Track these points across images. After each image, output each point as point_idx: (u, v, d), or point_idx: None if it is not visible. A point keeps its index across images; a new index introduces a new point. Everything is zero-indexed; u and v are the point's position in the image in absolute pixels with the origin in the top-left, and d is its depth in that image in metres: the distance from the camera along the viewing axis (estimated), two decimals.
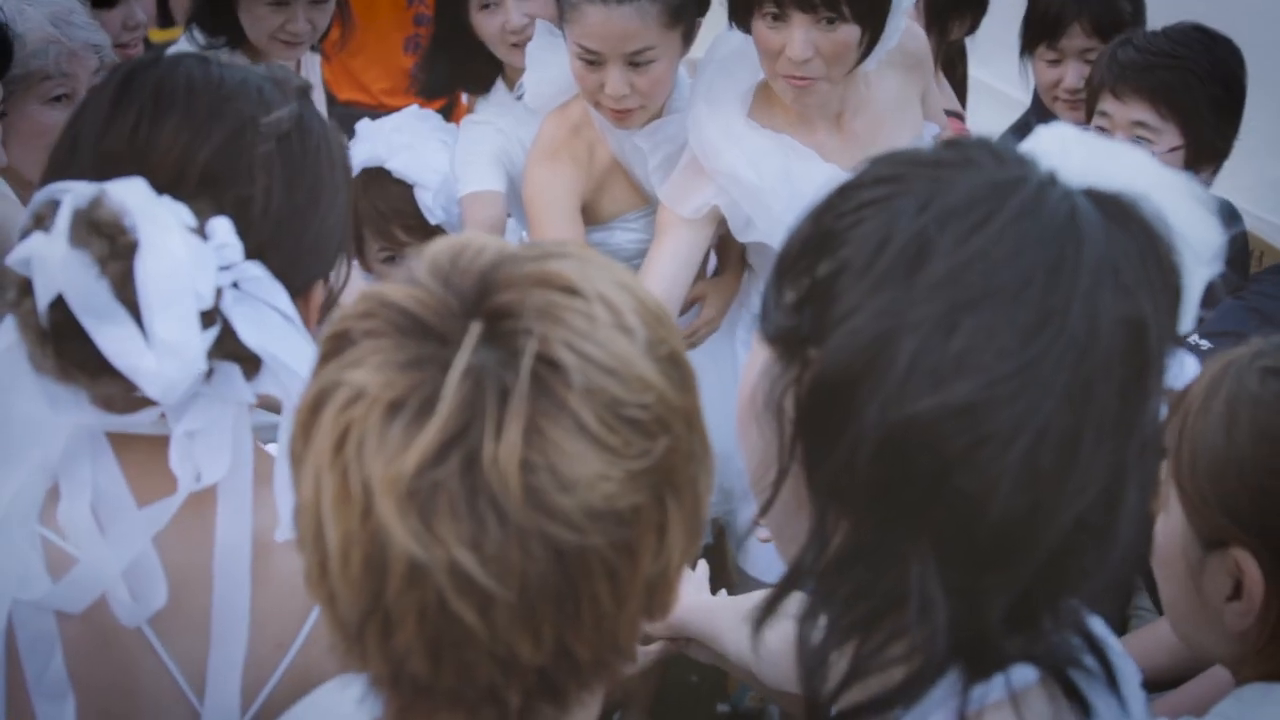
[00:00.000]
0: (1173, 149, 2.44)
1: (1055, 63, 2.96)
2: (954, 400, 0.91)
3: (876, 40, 2.26)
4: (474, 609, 0.83)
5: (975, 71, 3.48)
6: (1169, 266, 0.98)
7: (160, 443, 1.21)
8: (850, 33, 2.22)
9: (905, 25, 2.38)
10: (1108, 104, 2.49)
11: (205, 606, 1.25)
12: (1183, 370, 1.11)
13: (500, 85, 2.76)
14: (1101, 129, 2.48)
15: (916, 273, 0.93)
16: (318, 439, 0.86)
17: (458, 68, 2.77)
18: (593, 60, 2.33)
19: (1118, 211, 0.97)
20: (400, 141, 2.80)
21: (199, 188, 1.21)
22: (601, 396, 0.85)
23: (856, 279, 0.94)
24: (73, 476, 1.23)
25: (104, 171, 1.19)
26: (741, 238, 2.49)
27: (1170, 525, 1.36)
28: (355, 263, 2.88)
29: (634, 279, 0.94)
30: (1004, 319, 0.91)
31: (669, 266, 2.41)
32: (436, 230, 2.77)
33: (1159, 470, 1.07)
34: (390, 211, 2.78)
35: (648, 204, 2.61)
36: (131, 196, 1.16)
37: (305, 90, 1.33)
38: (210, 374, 1.19)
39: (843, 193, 1.00)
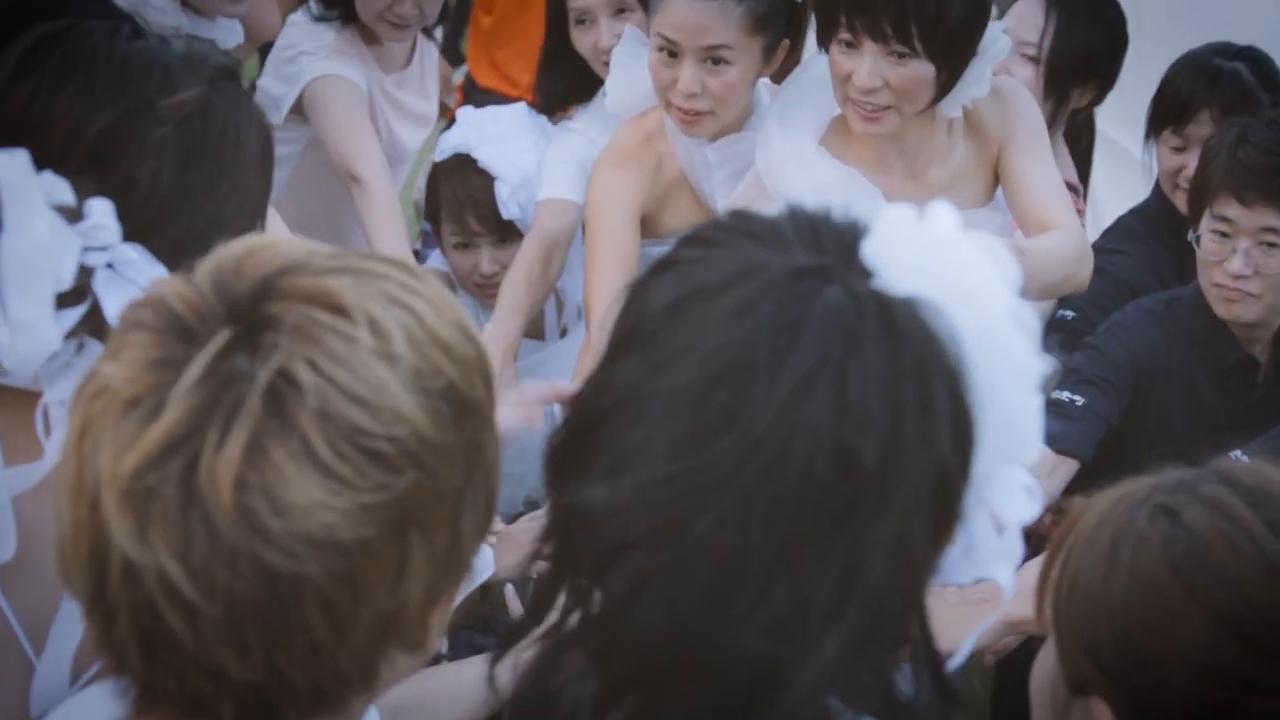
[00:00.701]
0: None
1: (1180, 150, 2.82)
2: (614, 495, 0.87)
3: (954, 81, 2.20)
4: (180, 617, 0.82)
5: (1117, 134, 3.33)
6: (942, 392, 0.89)
7: (36, 399, 1.22)
8: (922, 68, 2.16)
9: (1006, 84, 2.29)
10: (1230, 209, 2.36)
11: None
12: (1011, 496, 0.98)
13: (601, 95, 2.77)
14: (1223, 234, 2.36)
15: (648, 351, 0.90)
16: (70, 425, 0.87)
17: (570, 81, 2.78)
18: (671, 50, 2.33)
19: (880, 321, 0.88)
20: (492, 133, 2.86)
21: (85, 164, 1.21)
22: (339, 424, 0.83)
23: (625, 338, 0.93)
24: None
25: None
26: None
27: (1045, 658, 1.24)
28: (430, 253, 2.94)
29: (441, 303, 0.91)
30: (682, 417, 0.86)
31: None
32: (508, 225, 2.80)
33: (897, 612, 0.93)
34: (467, 199, 2.82)
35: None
36: (7, 170, 1.15)
37: (224, 72, 1.32)
38: (80, 348, 1.20)
39: (679, 244, 0.98)
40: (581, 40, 2.68)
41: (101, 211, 1.18)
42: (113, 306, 1.17)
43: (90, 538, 0.84)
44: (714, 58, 2.32)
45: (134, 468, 0.82)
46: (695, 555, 0.85)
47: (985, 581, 1.00)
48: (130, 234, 1.19)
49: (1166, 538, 1.15)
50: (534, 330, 2.89)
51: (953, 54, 2.16)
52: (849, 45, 2.19)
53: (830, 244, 0.93)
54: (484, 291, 2.86)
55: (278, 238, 0.93)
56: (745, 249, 0.92)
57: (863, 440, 0.85)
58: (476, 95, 3.96)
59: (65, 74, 1.24)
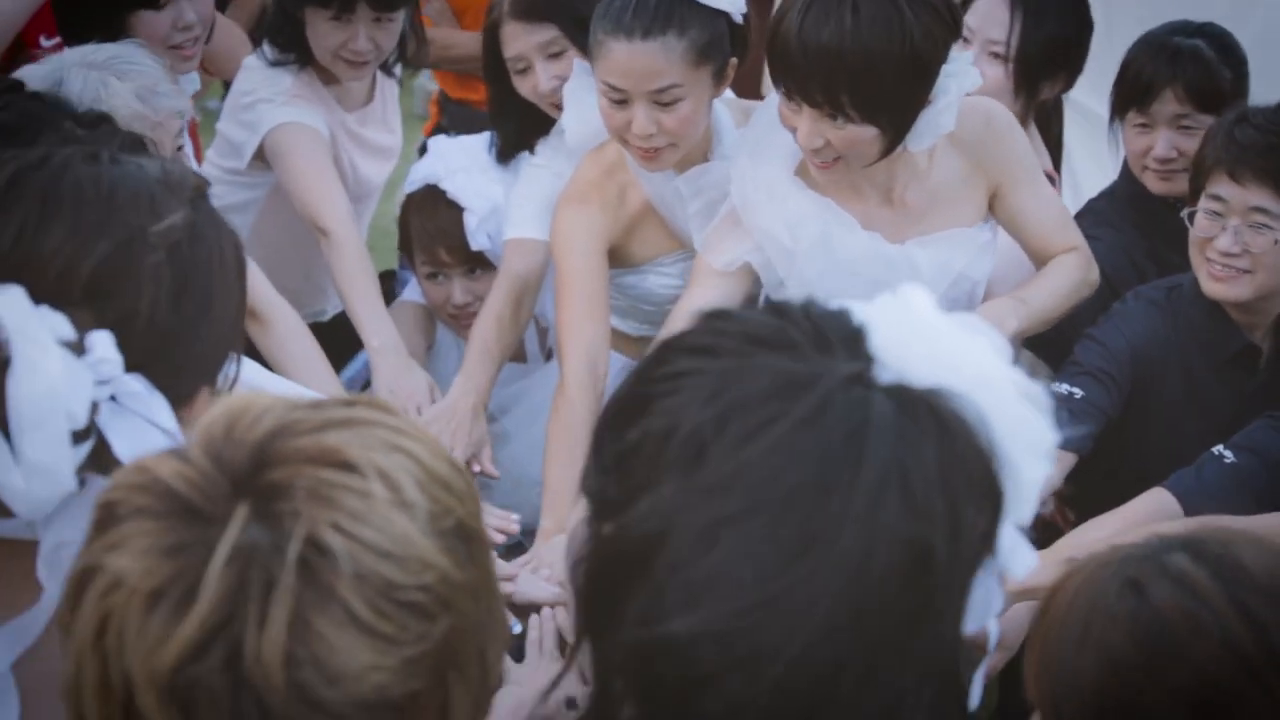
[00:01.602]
0: None
1: (1145, 129, 2.80)
2: (702, 624, 0.86)
3: (901, 136, 2.18)
4: None
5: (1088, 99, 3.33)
6: (981, 473, 0.91)
7: (25, 547, 1.19)
8: (861, 130, 2.14)
9: (970, 103, 2.28)
10: (1222, 187, 2.35)
11: None
12: (1015, 554, 1.00)
13: (559, 127, 2.75)
14: (1213, 213, 2.36)
15: (693, 473, 0.88)
16: (79, 622, 0.85)
17: (523, 125, 2.77)
18: (618, 99, 2.31)
19: (923, 415, 0.90)
20: (459, 164, 2.85)
21: (82, 299, 1.19)
22: (375, 582, 0.83)
23: (648, 461, 0.90)
24: None
25: None
26: (774, 297, 2.45)
27: None
28: (411, 278, 2.95)
29: (429, 440, 0.91)
30: (765, 538, 0.86)
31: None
32: (479, 255, 2.81)
33: (962, 690, 0.97)
34: (437, 231, 2.83)
35: (683, 248, 2.59)
36: (6, 309, 1.13)
37: (200, 192, 1.31)
38: (83, 484, 1.17)
39: (661, 353, 0.96)
40: (522, 86, 2.67)
41: (104, 345, 1.16)
42: (119, 441, 1.15)
43: None
44: (664, 100, 2.29)
45: (173, 662, 0.81)
46: (793, 673, 0.86)
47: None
48: (131, 365, 1.17)
49: (1133, 615, 1.17)
50: (515, 353, 2.89)
51: (891, 115, 2.13)
52: (789, 100, 2.17)
53: (837, 341, 0.92)
54: (459, 321, 2.87)
55: (251, 397, 0.92)
56: (764, 358, 0.91)
57: (933, 535, 0.87)
58: (452, 107, 3.95)
59: (51, 209, 1.22)
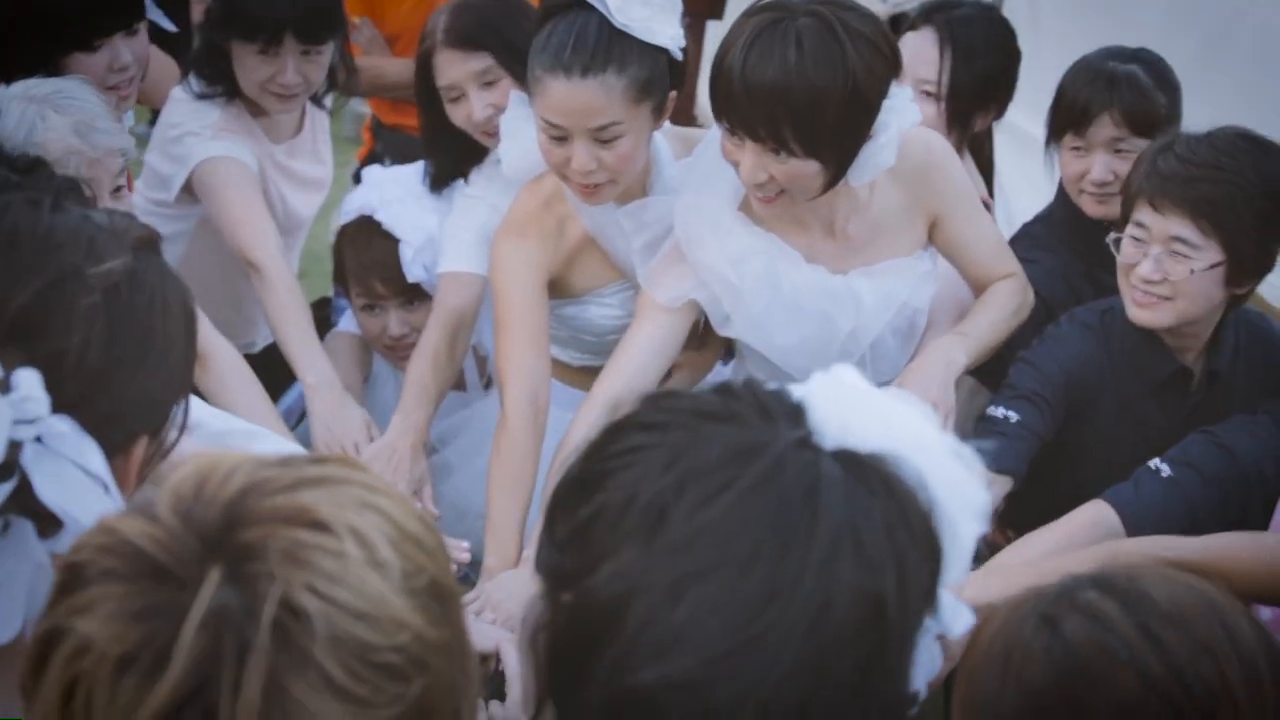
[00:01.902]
0: (1213, 265, 2.33)
1: (1081, 153, 2.82)
2: (673, 674, 0.90)
3: (843, 170, 2.19)
4: None
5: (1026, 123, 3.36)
6: (923, 530, 0.96)
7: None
8: (804, 165, 2.15)
9: (909, 136, 2.29)
10: (1145, 215, 2.37)
11: None
12: (956, 618, 1.06)
13: (494, 158, 2.73)
14: (1136, 239, 2.37)
15: (654, 537, 0.92)
16: (45, 686, 0.83)
17: (457, 154, 2.74)
18: (558, 135, 2.28)
19: (869, 477, 0.95)
20: (393, 194, 2.82)
21: (9, 337, 1.18)
22: (349, 644, 0.82)
23: (607, 532, 0.94)
24: None
25: None
26: (721, 331, 2.46)
27: None
28: (347, 306, 2.90)
29: (399, 497, 0.90)
30: (730, 592, 0.90)
31: (640, 355, 2.38)
32: (414, 287, 2.77)
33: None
34: (371, 263, 2.79)
35: (623, 279, 2.58)
36: None
37: (146, 242, 1.29)
38: (6, 528, 1.15)
39: (612, 432, 1.00)
40: (455, 115, 2.65)
41: (30, 384, 1.13)
42: (43, 483, 1.13)
43: None
44: (604, 137, 2.27)
45: None
46: (765, 716, 0.90)
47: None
48: (59, 407, 1.14)
49: (1047, 648, 1.21)
50: (455, 382, 2.86)
51: (834, 150, 2.14)
52: (731, 133, 2.17)
53: (779, 414, 0.98)
54: (395, 353, 2.83)
55: (219, 454, 0.90)
56: (714, 430, 0.96)
57: (884, 586, 0.93)
58: (384, 134, 3.91)
59: None
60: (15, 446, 1.12)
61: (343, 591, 0.82)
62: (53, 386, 1.14)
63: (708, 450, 0.94)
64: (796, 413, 0.98)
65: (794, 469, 0.94)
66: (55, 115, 2.15)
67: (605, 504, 0.95)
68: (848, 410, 0.99)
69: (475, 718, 0.93)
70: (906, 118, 2.20)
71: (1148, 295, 2.37)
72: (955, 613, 1.04)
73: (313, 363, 2.60)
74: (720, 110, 2.16)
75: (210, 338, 2.44)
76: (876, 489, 0.95)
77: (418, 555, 0.88)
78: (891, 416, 1.00)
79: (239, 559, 0.82)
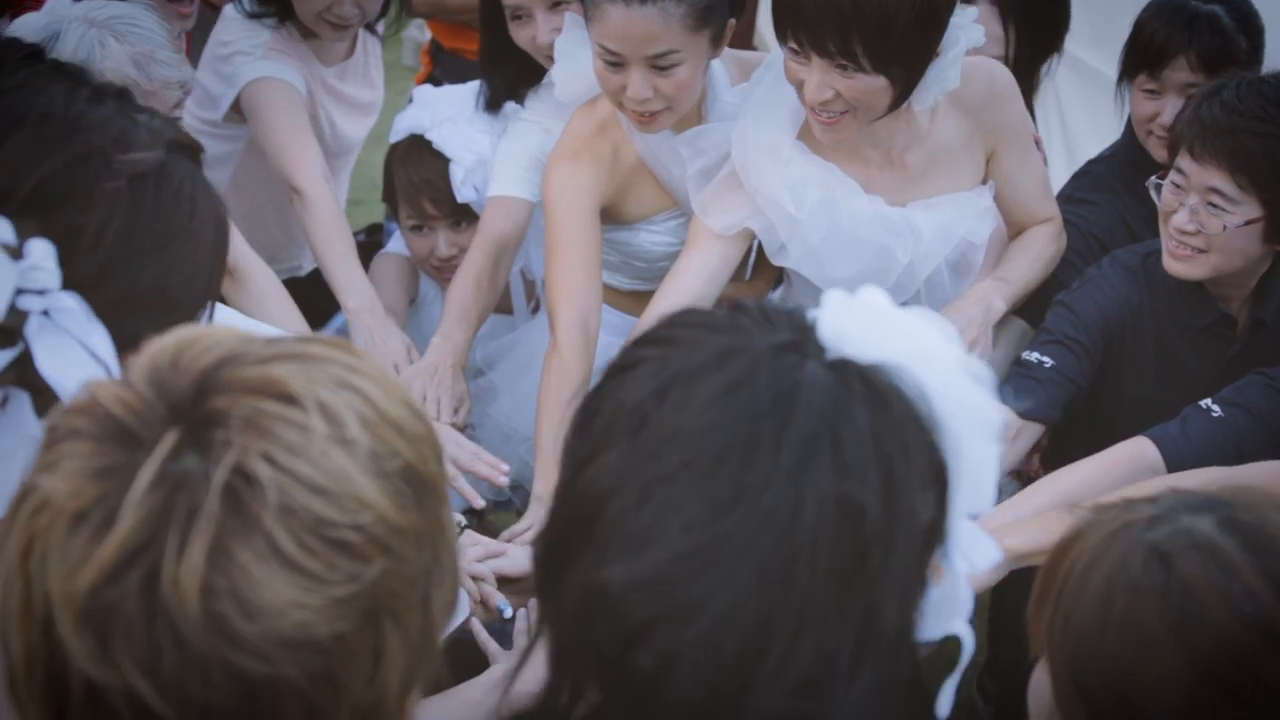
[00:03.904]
0: (1249, 221, 2.25)
1: (1154, 94, 2.73)
2: (634, 573, 0.89)
3: (910, 88, 2.14)
4: None
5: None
6: (920, 443, 0.93)
7: None
8: (872, 81, 2.10)
9: (974, 64, 2.25)
10: (1185, 162, 2.29)
11: None
12: (975, 546, 1.02)
13: (549, 79, 2.69)
14: (1176, 186, 2.30)
15: (635, 440, 0.92)
16: (9, 544, 0.83)
17: (515, 75, 2.70)
18: (614, 62, 2.25)
19: (856, 383, 0.93)
20: (446, 114, 2.79)
21: (26, 207, 1.16)
22: (303, 517, 0.81)
23: (597, 437, 0.94)
24: None
25: None
26: (775, 261, 2.43)
27: (1040, 683, 1.24)
28: (396, 229, 2.89)
29: (386, 382, 0.89)
30: (694, 493, 0.89)
31: (693, 281, 2.35)
32: (464, 207, 2.75)
33: (907, 657, 0.97)
34: (421, 182, 2.77)
35: (676, 206, 2.55)
36: None
37: (183, 146, 1.28)
38: (4, 402, 1.16)
39: (625, 349, 1.00)
40: (519, 35, 2.60)
41: (41, 253, 1.13)
42: (44, 356, 1.13)
43: (46, 662, 0.81)
44: (661, 65, 2.23)
45: (90, 585, 0.79)
46: (722, 624, 0.89)
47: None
48: (70, 285, 1.14)
49: (1161, 589, 1.14)
50: (502, 304, 2.85)
51: (903, 65, 2.10)
52: (796, 54, 2.13)
53: (785, 326, 0.97)
54: (442, 274, 2.82)
55: (209, 327, 0.90)
56: (710, 338, 0.96)
57: (864, 495, 0.89)
58: (443, 58, 3.87)
59: (15, 122, 1.20)
60: (20, 315, 1.12)
61: (301, 464, 0.81)
62: (66, 263, 1.14)
63: (694, 356, 0.94)
64: (802, 324, 0.97)
65: (771, 371, 0.92)
66: (115, 43, 2.13)
67: (599, 410, 0.96)
68: (856, 324, 0.96)
69: (451, 610, 0.92)
70: (973, 35, 2.16)
71: (1182, 246, 2.31)
72: (977, 546, 1.01)
73: (354, 287, 2.59)
74: (786, 25, 2.12)
75: (248, 257, 2.43)
76: (864, 396, 0.92)
77: (394, 439, 0.86)
78: (904, 333, 0.97)
79: (202, 425, 0.81)
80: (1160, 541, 1.15)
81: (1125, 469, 2.15)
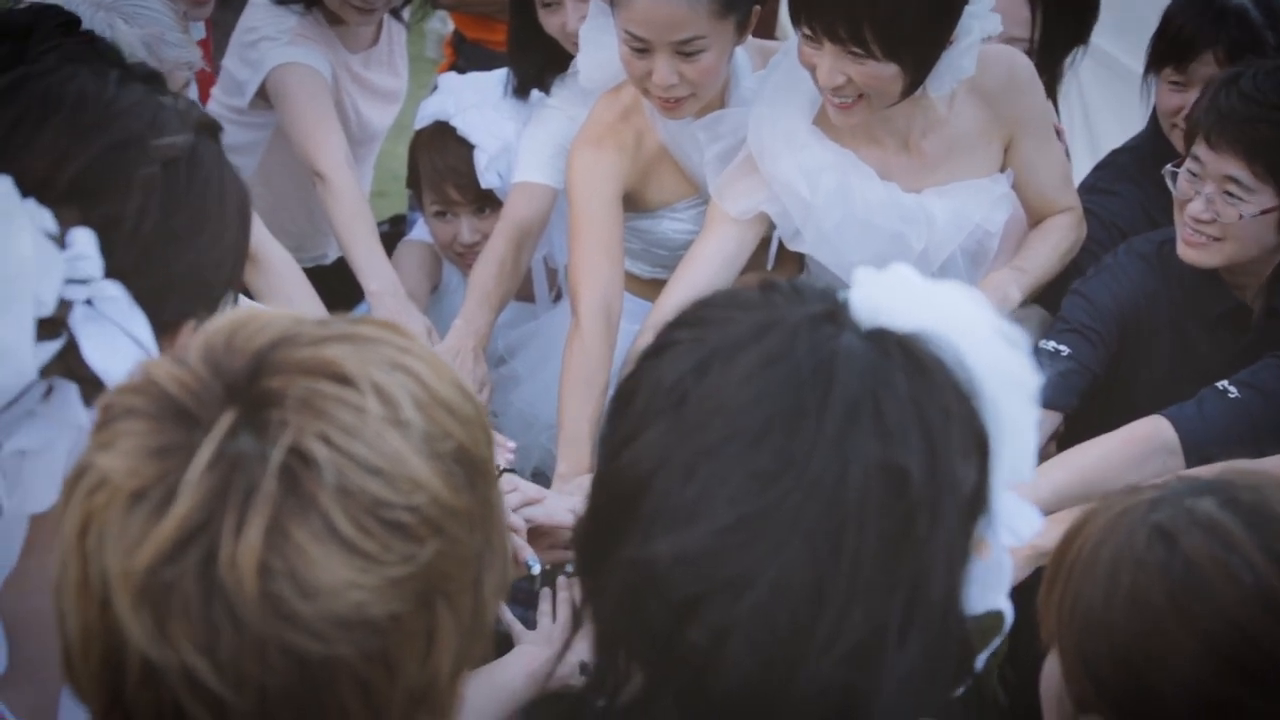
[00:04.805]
0: (1265, 211, 2.25)
1: (1180, 87, 2.71)
2: (683, 547, 0.88)
3: (922, 75, 2.14)
4: (209, 714, 0.80)
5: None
6: (960, 409, 0.93)
7: None
8: (883, 68, 2.11)
9: (993, 52, 2.25)
10: (1201, 150, 2.29)
11: (50, 658, 1.19)
12: (1017, 517, 1.02)
13: (575, 67, 2.70)
14: (1192, 174, 2.30)
15: (676, 416, 0.92)
16: (67, 520, 0.84)
17: (543, 62, 2.71)
18: (640, 48, 2.26)
19: (895, 351, 0.93)
20: (470, 100, 2.80)
21: (67, 196, 1.17)
22: (360, 497, 0.81)
23: (638, 416, 0.94)
24: None
25: None
26: (790, 246, 2.44)
27: (1052, 669, 1.26)
28: (419, 216, 2.90)
29: (437, 364, 0.89)
30: (740, 465, 0.89)
31: (709, 266, 2.36)
32: (488, 194, 2.76)
33: (955, 623, 0.97)
34: (446, 168, 2.77)
35: (698, 194, 2.55)
36: None
37: (207, 127, 1.29)
38: (50, 393, 1.15)
39: (665, 328, 1.00)
40: (548, 22, 2.61)
41: (85, 242, 1.13)
42: (90, 345, 1.13)
43: (103, 640, 0.81)
44: (686, 50, 2.24)
45: (148, 563, 0.79)
46: (774, 595, 0.88)
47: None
48: (111, 273, 1.14)
49: (1164, 565, 1.16)
50: (523, 292, 2.86)
51: (914, 53, 2.10)
52: (809, 39, 2.13)
53: (817, 300, 0.96)
54: (465, 261, 2.82)
55: (259, 309, 0.90)
56: (745, 315, 0.95)
57: (908, 460, 0.89)
58: (466, 49, 3.89)
59: (50, 109, 1.21)
60: (65, 305, 1.12)
61: (358, 445, 0.81)
62: (106, 251, 1.14)
63: (731, 332, 0.94)
64: (833, 299, 0.96)
65: (809, 342, 0.92)
66: (124, 25, 2.13)
67: (635, 393, 0.95)
68: (889, 296, 0.96)
69: (501, 596, 0.92)
70: (988, 24, 2.16)
71: (1197, 234, 2.30)
72: (1019, 516, 1.00)
73: (376, 270, 2.60)
74: (799, 10, 2.13)
75: (266, 241, 2.44)
76: (900, 362, 0.92)
77: (446, 420, 0.86)
78: (938, 302, 0.97)
79: (257, 405, 0.81)
80: (1163, 521, 1.18)
81: (1141, 447, 2.15)
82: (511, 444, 2.30)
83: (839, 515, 0.88)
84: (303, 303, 2.41)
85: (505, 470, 2.08)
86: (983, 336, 0.97)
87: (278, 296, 2.38)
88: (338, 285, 2.78)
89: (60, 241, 1.13)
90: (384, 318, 2.45)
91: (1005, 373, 0.97)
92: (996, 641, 1.07)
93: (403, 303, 2.60)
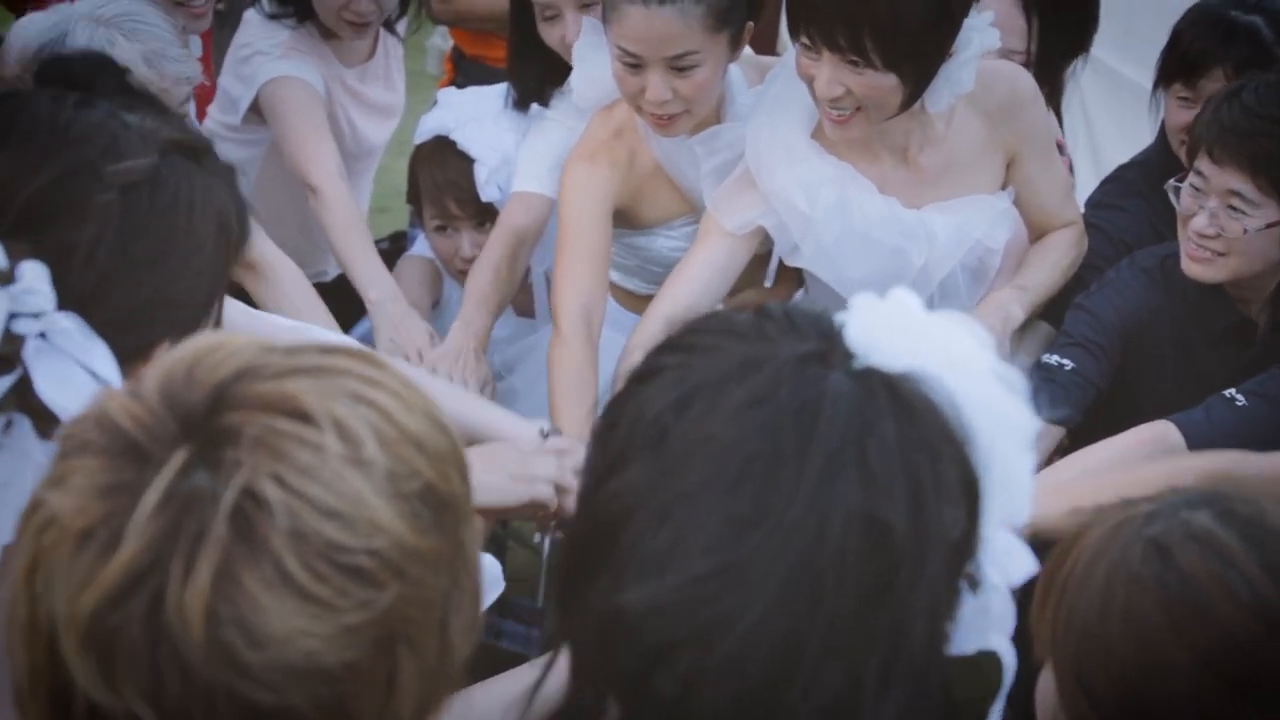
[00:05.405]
0: (1270, 225, 2.22)
1: (1189, 103, 2.68)
2: (654, 596, 0.86)
3: (921, 87, 2.12)
4: None
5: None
6: (951, 455, 0.90)
7: None
8: (882, 78, 2.09)
9: (995, 68, 2.24)
10: (1204, 165, 2.27)
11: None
12: (1010, 558, 0.99)
13: None
14: (1195, 189, 2.28)
15: (654, 455, 0.89)
16: (18, 560, 0.82)
17: (543, 73, 2.70)
18: (633, 64, 2.24)
19: (884, 395, 0.89)
20: (470, 114, 2.79)
21: (16, 227, 1.15)
22: (314, 541, 0.78)
23: (616, 450, 0.91)
24: None
25: None
26: (788, 261, 2.42)
27: (1046, 683, 1.23)
28: (420, 232, 2.88)
29: (408, 394, 0.86)
30: (716, 511, 0.86)
31: (700, 275, 2.34)
32: (488, 207, 2.75)
33: (937, 678, 0.94)
34: (446, 183, 2.77)
35: (692, 211, 2.53)
36: None
37: (179, 145, 1.26)
38: (9, 427, 1.14)
39: (654, 351, 0.97)
40: (548, 34, 2.59)
41: (34, 275, 1.11)
42: (43, 380, 1.11)
43: (50, 680, 0.79)
44: (680, 66, 2.22)
45: (93, 607, 0.77)
46: (746, 647, 0.85)
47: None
48: (67, 304, 1.13)
49: (1159, 580, 1.15)
50: (523, 307, 2.85)
51: (914, 63, 2.08)
52: (807, 49, 2.11)
53: (812, 333, 0.93)
54: (466, 275, 2.80)
55: (230, 335, 0.87)
56: (733, 347, 0.92)
57: (891, 511, 0.86)
58: (465, 65, 3.87)
59: (1, 136, 1.19)
60: (16, 340, 1.10)
61: (313, 486, 0.78)
62: (60, 282, 1.13)
63: (717, 365, 0.90)
64: (829, 331, 0.93)
65: (794, 383, 0.88)
66: (125, 41, 2.13)
67: (618, 421, 0.92)
68: (885, 329, 0.93)
69: (471, 637, 0.89)
70: (987, 39, 2.14)
71: (1201, 249, 2.28)
72: (1012, 557, 0.98)
73: (375, 279, 2.59)
74: (798, 19, 2.11)
75: (270, 252, 2.43)
76: (891, 407, 0.88)
77: (413, 457, 0.83)
78: (935, 338, 0.94)
79: (213, 443, 0.79)
80: (1158, 535, 1.16)
81: (1147, 451, 2.14)
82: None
83: (817, 567, 0.85)
84: (310, 314, 2.40)
85: (547, 434, 2.03)
86: (979, 377, 0.94)
87: (286, 307, 2.36)
88: (337, 303, 2.76)
89: (9, 275, 1.11)
90: (386, 324, 2.49)
91: (1000, 416, 0.94)
92: (1002, 691, 1.05)
93: (404, 309, 2.59)
